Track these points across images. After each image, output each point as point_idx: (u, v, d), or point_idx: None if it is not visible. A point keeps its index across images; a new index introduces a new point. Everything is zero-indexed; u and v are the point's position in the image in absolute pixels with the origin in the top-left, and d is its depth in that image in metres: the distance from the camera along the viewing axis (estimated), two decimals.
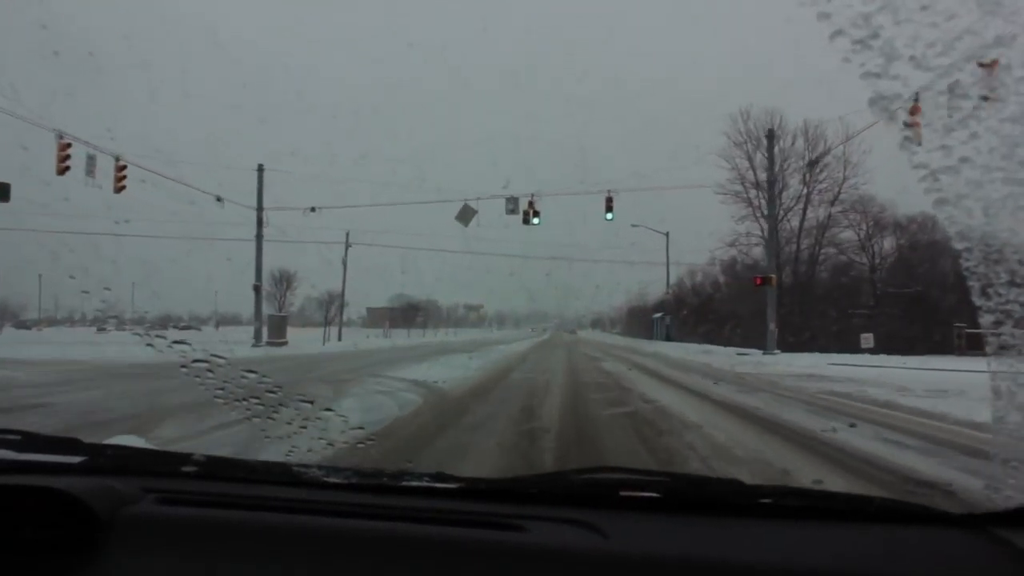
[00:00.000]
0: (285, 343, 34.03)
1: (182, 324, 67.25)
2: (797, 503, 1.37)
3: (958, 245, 1.27)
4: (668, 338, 47.32)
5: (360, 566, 1.13)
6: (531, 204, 27.08)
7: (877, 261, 36.97)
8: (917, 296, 31.72)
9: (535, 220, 27.13)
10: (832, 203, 36.72)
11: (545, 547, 1.14)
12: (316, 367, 18.60)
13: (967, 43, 1.21)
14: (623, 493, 1.36)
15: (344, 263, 46.62)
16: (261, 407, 2.23)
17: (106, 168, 21.76)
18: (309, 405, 2.46)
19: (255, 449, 4.33)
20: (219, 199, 28.98)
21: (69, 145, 20.11)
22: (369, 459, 3.63)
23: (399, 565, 1.12)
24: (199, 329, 64.33)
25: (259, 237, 32.83)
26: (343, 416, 3.00)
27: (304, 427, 2.31)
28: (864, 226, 36.62)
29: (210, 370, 2.15)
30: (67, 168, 19.91)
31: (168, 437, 7.04)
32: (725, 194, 38.11)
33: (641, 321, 68.58)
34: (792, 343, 28.82)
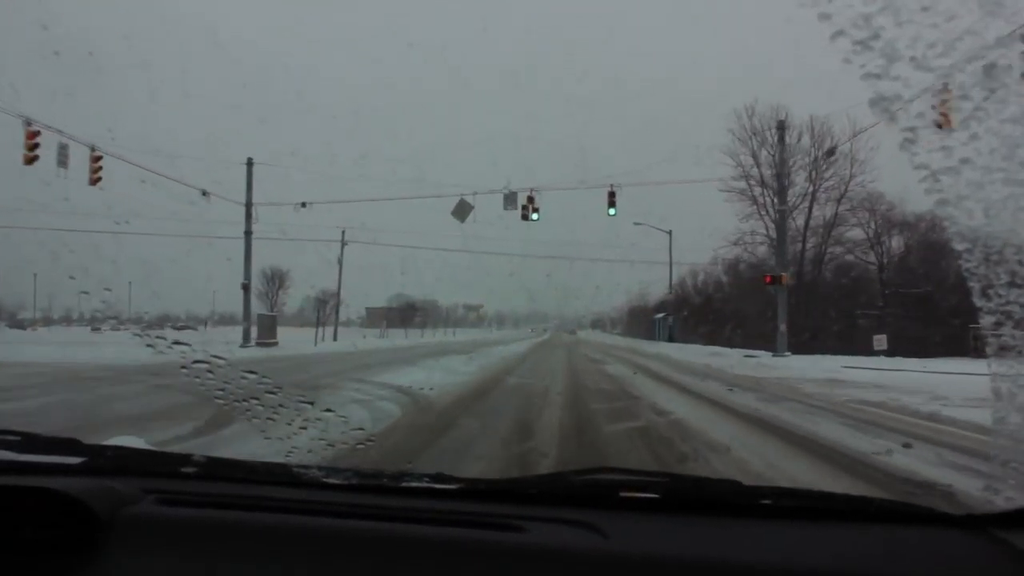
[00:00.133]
0: (275, 344, 32.79)
1: (179, 324, 66.27)
2: (797, 504, 1.37)
3: (959, 246, 1.28)
4: (671, 339, 46.31)
5: (360, 566, 1.13)
6: (530, 200, 26.03)
7: (885, 260, 35.57)
8: (927, 296, 30.40)
9: (534, 216, 26.12)
10: (839, 201, 35.48)
11: (545, 547, 1.14)
12: (298, 370, 17.21)
13: (968, 44, 1.22)
14: (623, 494, 1.36)
15: (340, 261, 45.62)
16: (260, 407, 2.21)
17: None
18: (310, 406, 2.51)
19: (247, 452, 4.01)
20: (204, 193, 27.66)
21: (38, 133, 18.69)
22: (369, 460, 3.61)
23: (399, 565, 1.12)
24: (195, 329, 63.34)
25: (248, 234, 31.61)
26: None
27: (304, 428, 2.35)
28: (872, 224, 35.25)
29: (210, 371, 2.18)
30: (35, 158, 18.48)
31: None
32: (729, 191, 37.02)
33: (642, 321, 67.75)
34: (799, 344, 27.56)
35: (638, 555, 1.12)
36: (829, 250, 37.40)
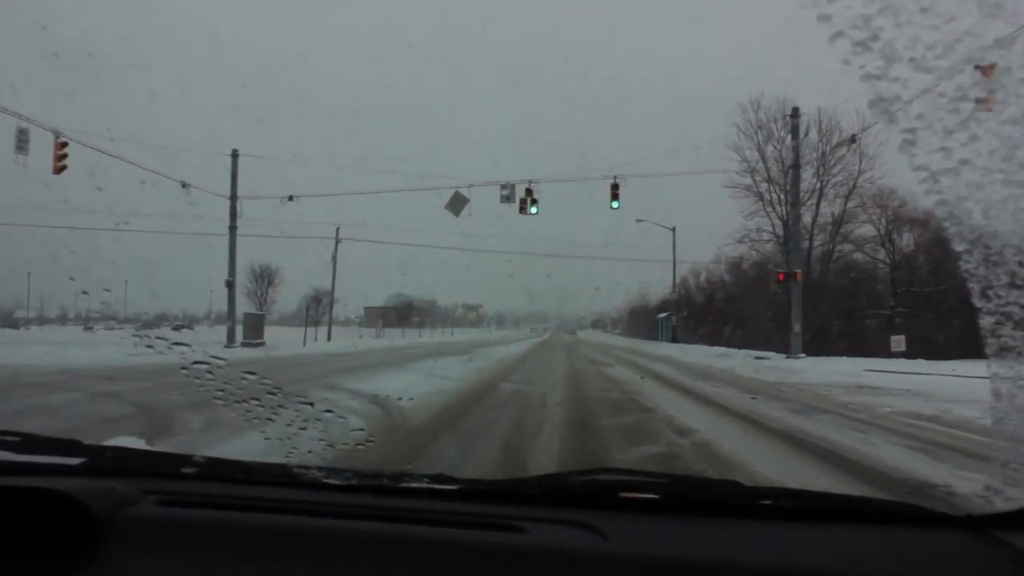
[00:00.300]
0: (262, 344, 31.15)
1: (176, 324, 64.98)
2: (796, 504, 1.38)
3: (958, 247, 1.29)
4: (674, 339, 44.92)
5: (360, 567, 1.14)
6: (528, 192, 24.39)
7: (897, 258, 33.93)
8: (940, 295, 28.65)
9: (533, 209, 24.81)
10: (847, 197, 34.01)
11: (545, 548, 1.15)
12: (272, 374, 15.31)
13: (967, 45, 1.23)
14: (623, 494, 1.36)
15: (334, 259, 44.02)
16: (260, 408, 2.21)
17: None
18: (310, 407, 2.55)
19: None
20: (184, 185, 26.00)
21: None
22: (369, 460, 3.63)
23: (399, 566, 1.13)
24: (192, 328, 62.07)
25: (232, 229, 29.85)
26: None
27: (304, 428, 2.32)
28: (883, 220, 33.58)
29: (210, 371, 2.21)
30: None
31: None
32: (735, 187, 35.35)
33: (642, 321, 66.45)
34: (807, 345, 26.15)
35: (638, 556, 1.13)
36: (837, 248, 35.69)
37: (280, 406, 2.26)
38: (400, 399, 9.95)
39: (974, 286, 1.26)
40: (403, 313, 77.86)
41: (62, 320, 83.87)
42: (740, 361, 24.15)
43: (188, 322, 71.45)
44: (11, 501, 1.19)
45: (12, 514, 1.17)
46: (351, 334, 54.99)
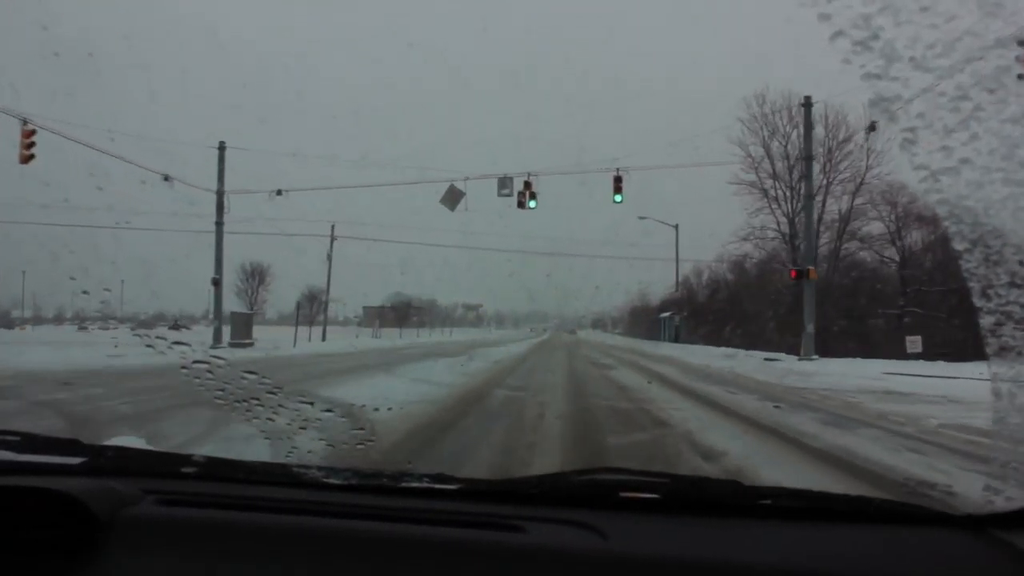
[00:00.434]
0: (250, 344, 29.99)
1: (173, 323, 63.86)
2: (796, 504, 1.38)
3: (959, 246, 1.29)
4: (676, 339, 43.49)
5: (360, 567, 1.14)
6: (527, 185, 23.07)
7: (907, 256, 32.69)
8: (955, 294, 27.33)
9: (531, 204, 23.82)
10: (854, 194, 32.97)
11: (545, 548, 1.15)
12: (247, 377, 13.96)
13: (967, 44, 1.22)
14: (623, 494, 1.36)
15: (329, 257, 42.79)
16: (260, 408, 2.19)
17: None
18: (310, 407, 2.51)
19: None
20: (167, 178, 24.73)
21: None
22: (369, 460, 3.45)
23: (399, 566, 1.13)
24: (189, 328, 60.85)
25: (219, 224, 28.84)
26: None
27: (304, 428, 2.32)
28: (893, 217, 32.31)
29: (210, 371, 2.20)
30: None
31: None
32: (739, 184, 34.06)
33: (644, 321, 65.20)
34: (815, 346, 24.56)
35: (638, 556, 1.13)
36: (844, 246, 34.43)
37: (280, 406, 2.24)
38: (376, 409, 8.58)
39: (974, 285, 1.27)
40: (402, 313, 76.96)
41: (58, 320, 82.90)
42: (749, 363, 23.25)
43: (184, 321, 70.32)
44: (11, 501, 1.20)
45: (12, 514, 1.19)
46: (348, 334, 54.25)
